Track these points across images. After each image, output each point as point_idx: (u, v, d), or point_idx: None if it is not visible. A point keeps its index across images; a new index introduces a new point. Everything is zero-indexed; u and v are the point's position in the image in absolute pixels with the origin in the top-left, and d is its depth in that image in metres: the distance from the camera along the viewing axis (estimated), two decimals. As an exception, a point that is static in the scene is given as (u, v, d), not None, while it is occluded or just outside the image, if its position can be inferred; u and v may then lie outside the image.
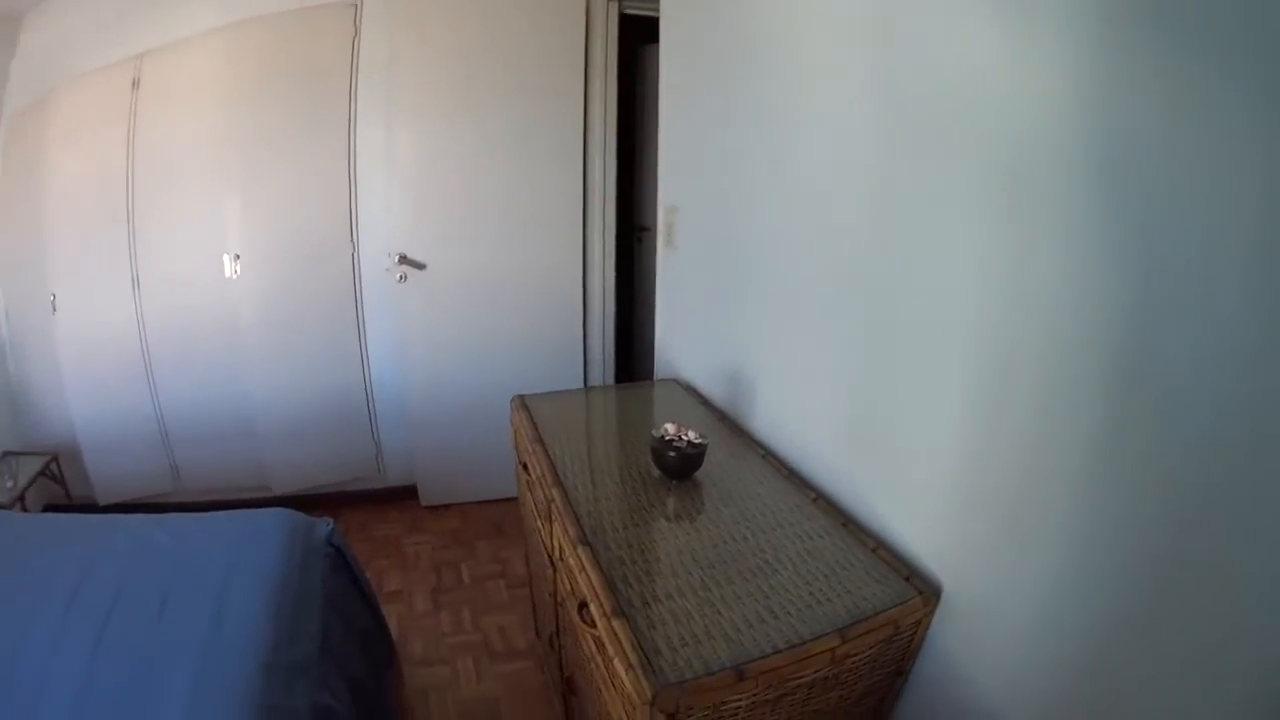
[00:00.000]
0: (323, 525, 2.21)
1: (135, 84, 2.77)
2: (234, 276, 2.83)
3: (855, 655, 1.01)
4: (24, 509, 3.11)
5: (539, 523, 1.60)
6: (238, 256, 2.80)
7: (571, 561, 1.22)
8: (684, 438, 1.36)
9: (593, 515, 1.30)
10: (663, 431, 1.37)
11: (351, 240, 2.88)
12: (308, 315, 2.93)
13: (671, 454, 1.35)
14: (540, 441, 1.60)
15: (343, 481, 3.24)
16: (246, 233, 2.83)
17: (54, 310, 2.99)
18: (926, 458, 1.10)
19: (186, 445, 3.15)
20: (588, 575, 1.14)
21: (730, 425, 1.67)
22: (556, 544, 1.40)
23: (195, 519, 2.33)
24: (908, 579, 1.08)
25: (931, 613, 1.07)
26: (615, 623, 1.02)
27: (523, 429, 1.72)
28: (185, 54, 2.79)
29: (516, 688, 2.27)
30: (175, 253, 2.87)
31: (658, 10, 2.42)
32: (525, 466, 1.68)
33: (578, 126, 2.77)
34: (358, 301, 2.98)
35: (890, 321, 1.18)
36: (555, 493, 1.37)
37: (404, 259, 2.76)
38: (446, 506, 3.19)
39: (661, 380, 2.08)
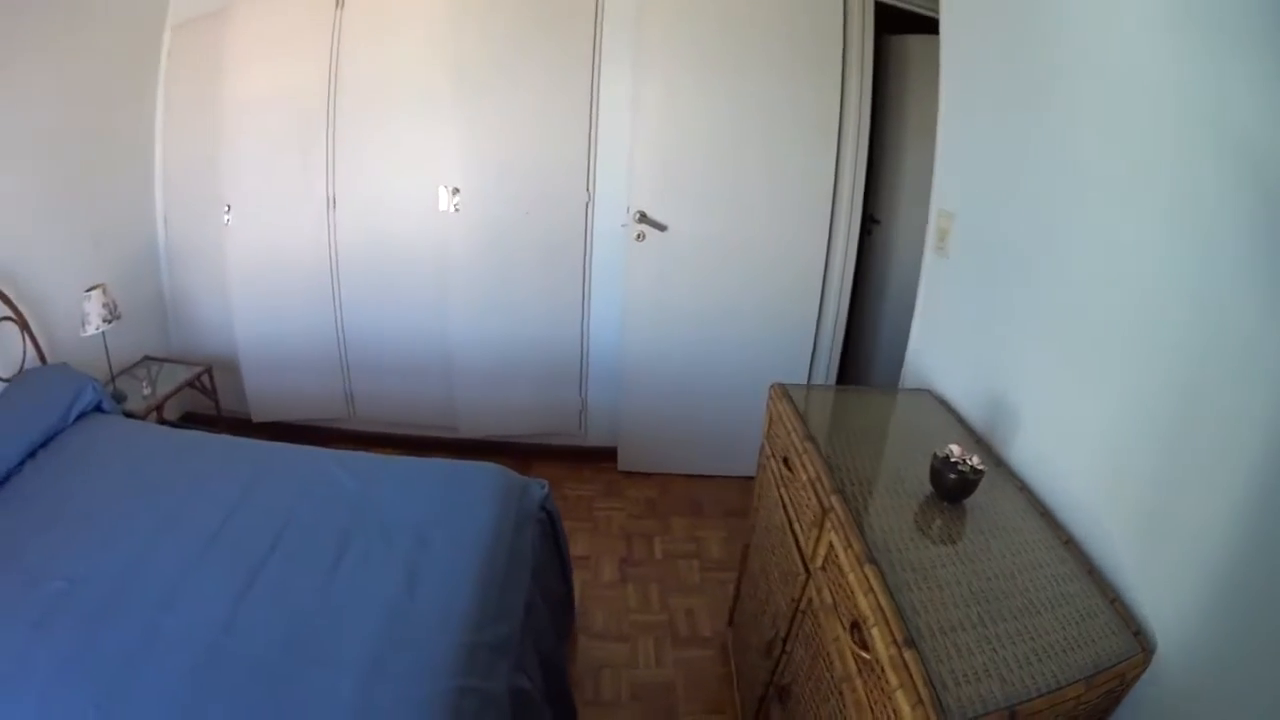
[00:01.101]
0: (537, 487, 2.36)
1: (339, 2, 3.10)
2: (450, 210, 3.21)
3: (1086, 703, 1.14)
4: (161, 419, 3.61)
5: (795, 525, 1.72)
6: (456, 190, 3.18)
7: (852, 578, 1.32)
8: (968, 461, 1.47)
9: (874, 530, 1.40)
10: (948, 452, 1.49)
11: (587, 190, 3.17)
12: (529, 260, 3.28)
13: (952, 476, 1.46)
14: (812, 440, 1.71)
15: (539, 434, 3.63)
16: (467, 167, 3.18)
17: (227, 222, 3.51)
18: (1194, 538, 1.16)
19: (367, 373, 3.63)
20: (875, 598, 1.23)
21: (985, 449, 1.75)
22: (821, 553, 1.51)
23: (385, 461, 2.57)
24: (1136, 634, 1.22)
25: (1144, 670, 1.21)
26: (907, 653, 1.11)
27: (787, 422, 1.86)
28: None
29: (695, 676, 2.45)
30: (380, 177, 3.30)
31: (912, 2, 2.57)
32: (786, 462, 1.82)
33: (833, 111, 2.92)
34: (586, 253, 3.30)
35: (1187, 381, 1.20)
36: (835, 500, 1.48)
37: (644, 218, 3.01)
38: (646, 475, 3.49)
39: (913, 390, 2.17)
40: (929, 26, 2.78)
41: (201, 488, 2.42)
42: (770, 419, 2.07)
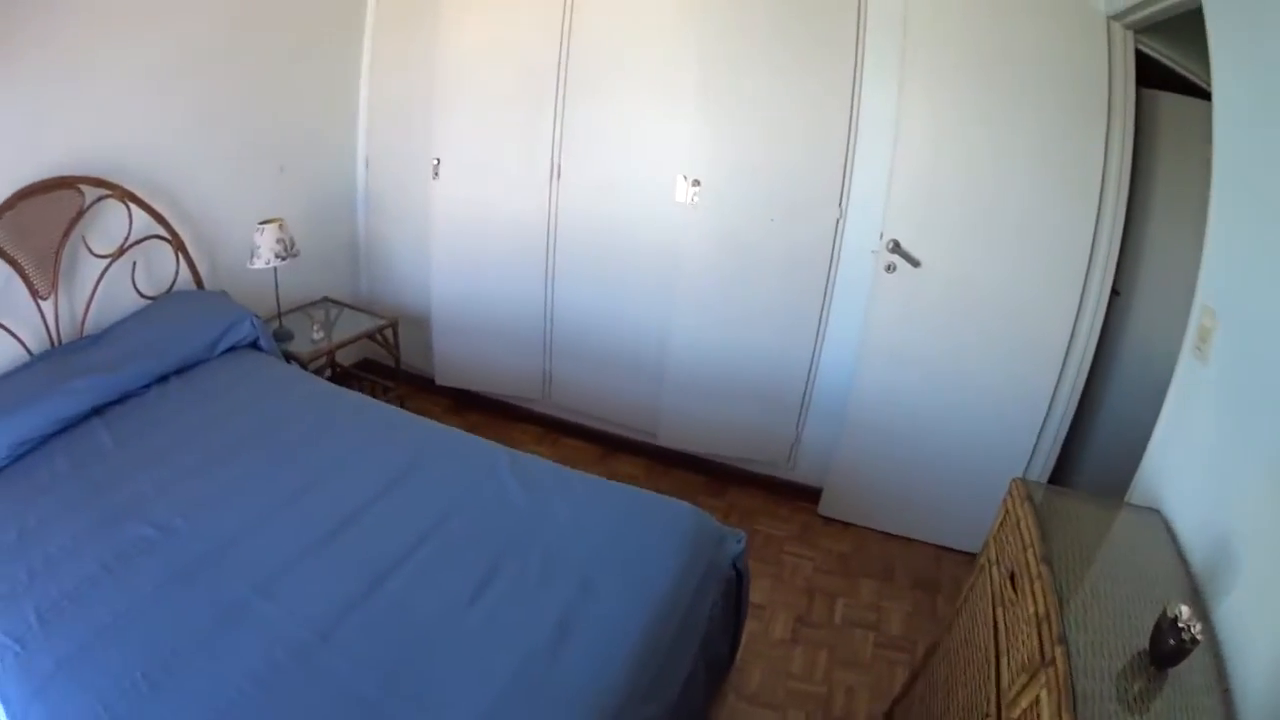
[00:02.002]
0: (734, 541, 2.47)
1: None
2: (688, 202, 3.61)
3: None
4: (333, 364, 4.22)
5: (1002, 658, 1.81)
6: (696, 182, 3.57)
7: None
8: (1191, 629, 1.56)
9: (1078, 680, 1.49)
10: (1176, 613, 1.58)
11: (840, 206, 3.49)
12: (767, 271, 3.62)
13: (1171, 642, 1.57)
14: (1048, 564, 1.78)
15: (743, 459, 4.05)
16: (710, 159, 3.55)
17: (435, 175, 4.05)
18: None
19: (571, 357, 4.14)
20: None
21: (1198, 601, 1.79)
22: (1023, 703, 1.59)
23: (565, 475, 2.70)
24: None
25: None
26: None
27: (1024, 532, 1.94)
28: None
29: (838, 766, 2.73)
30: (613, 155, 3.76)
31: (1166, 55, 2.70)
32: (1012, 579, 1.91)
33: (1095, 167, 3.05)
34: (830, 274, 3.61)
35: None
36: (1058, 653, 1.54)
37: (897, 248, 3.32)
38: (845, 525, 3.86)
39: (1141, 508, 2.19)
40: (1182, 86, 3.01)
41: (347, 462, 2.71)
42: (1003, 518, 2.17)
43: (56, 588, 2.15)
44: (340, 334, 4.04)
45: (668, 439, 4.04)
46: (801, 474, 4.04)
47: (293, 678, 1.83)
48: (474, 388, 4.45)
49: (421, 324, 4.48)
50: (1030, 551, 1.89)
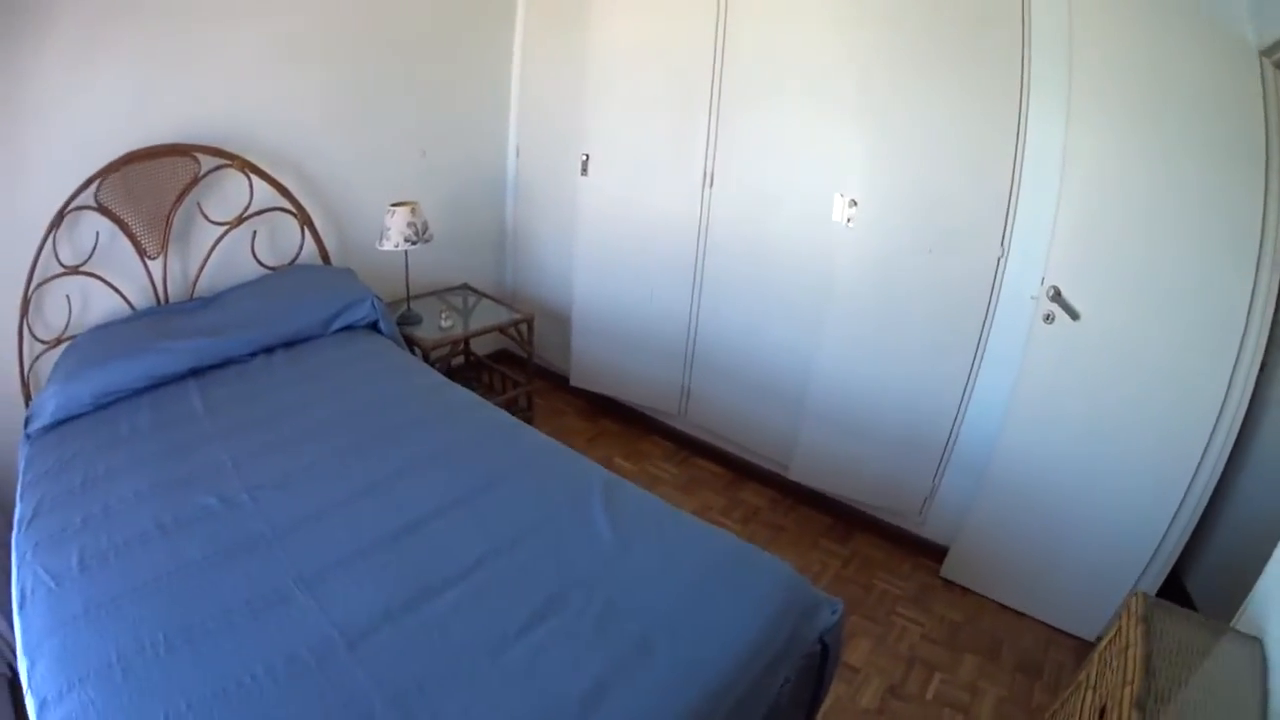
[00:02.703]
0: (827, 611, 2.26)
1: None
2: (843, 223, 3.39)
3: None
4: (467, 352, 4.24)
5: None
6: (854, 203, 3.34)
7: None
8: None
9: None
10: None
11: (1002, 244, 3.21)
12: (921, 306, 3.36)
13: None
14: (1140, 710, 1.69)
15: (873, 505, 3.83)
16: (868, 179, 3.33)
17: (584, 172, 4.02)
18: None
19: (711, 373, 3.98)
20: None
21: None
22: None
23: (662, 516, 2.49)
24: None
25: None
26: None
27: (1127, 662, 1.87)
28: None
29: None
30: (767, 164, 3.59)
31: None
32: (1102, 713, 1.83)
33: (1254, 220, 2.69)
34: (988, 317, 3.31)
35: None
36: None
37: (1058, 296, 3.01)
38: (965, 591, 3.58)
39: (1243, 636, 2.06)
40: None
41: (432, 463, 2.64)
42: (1114, 634, 2.07)
43: (106, 538, 2.21)
44: (472, 324, 4.04)
45: (799, 473, 3.86)
46: (930, 530, 3.76)
47: (307, 677, 1.80)
48: (609, 393, 4.37)
49: (561, 321, 4.45)
50: (1127, 689, 1.80)
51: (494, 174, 4.63)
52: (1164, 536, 3.07)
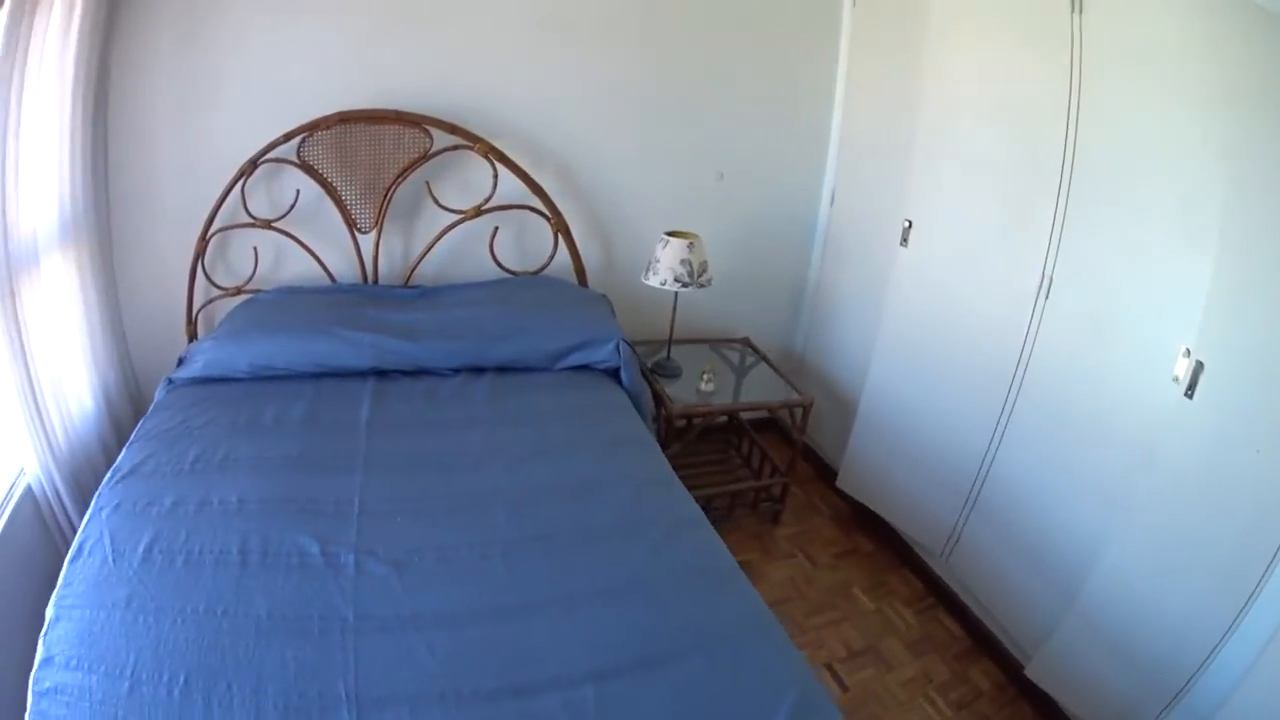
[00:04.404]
0: None
1: (1076, 5, 2.57)
2: (1180, 387, 2.31)
3: None
4: (732, 418, 3.74)
5: None
6: (1200, 365, 2.26)
7: None
8: None
9: None
10: None
11: None
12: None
13: None
14: None
15: None
16: (1223, 336, 2.26)
17: (903, 241, 3.27)
18: None
19: (991, 523, 3.11)
20: None
21: None
22: None
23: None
24: None
25: None
26: None
27: None
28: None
29: None
30: (1111, 289, 2.58)
31: None
32: None
33: None
34: None
35: None
36: None
37: None
38: None
39: None
40: None
41: (592, 603, 2.04)
42: None
43: (185, 538, 2.08)
44: (741, 394, 3.56)
45: (1037, 672, 2.88)
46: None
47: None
48: (874, 508, 3.65)
49: (845, 406, 3.78)
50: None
51: (801, 219, 4.00)
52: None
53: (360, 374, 2.82)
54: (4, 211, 2.32)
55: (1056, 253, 2.74)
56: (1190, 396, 2.29)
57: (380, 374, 2.85)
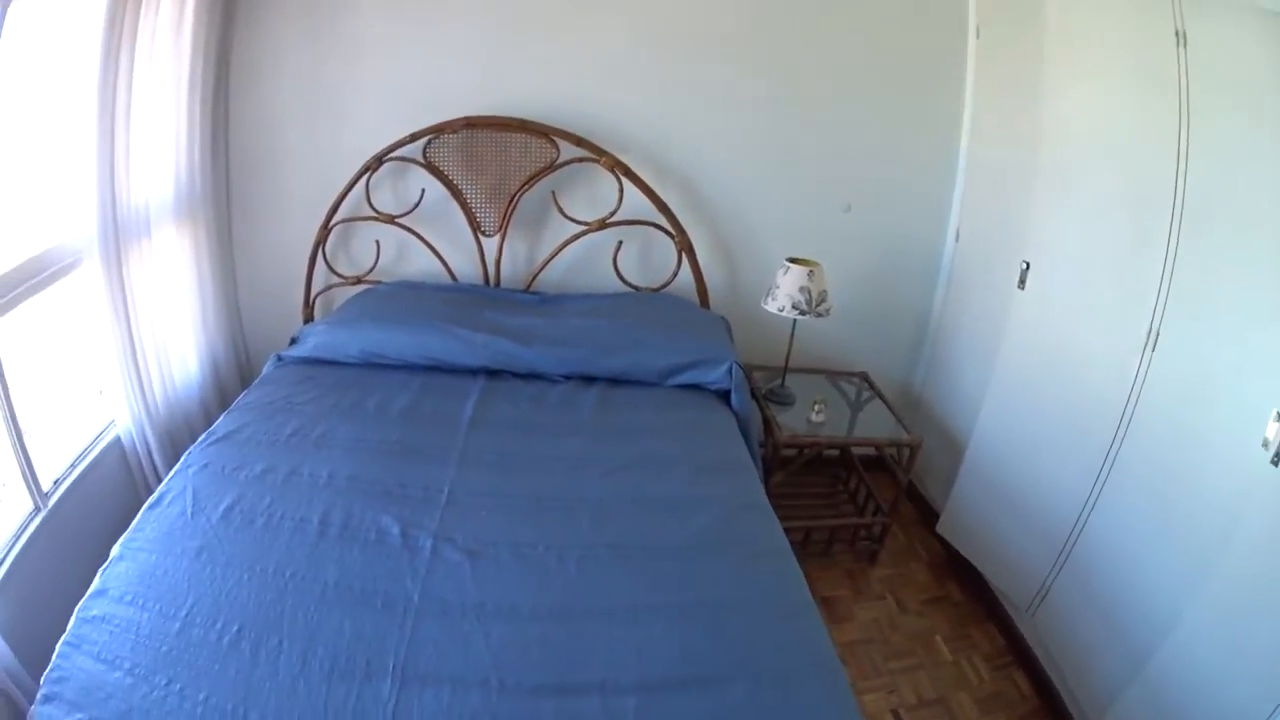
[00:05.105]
0: None
1: (1180, 37, 2.40)
2: (1267, 443, 2.13)
3: None
4: (845, 452, 3.70)
5: None
6: None
7: None
8: None
9: None
10: None
11: None
12: None
13: None
14: None
15: None
16: None
17: (1021, 284, 3.13)
18: None
19: (1083, 581, 2.89)
20: None
21: None
22: None
23: None
24: None
25: None
26: None
27: None
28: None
29: None
30: (1216, 345, 2.40)
31: None
32: None
33: None
34: None
35: None
36: None
37: None
38: None
39: None
40: None
41: (648, 623, 1.99)
42: None
43: (269, 503, 2.20)
44: (844, 425, 3.51)
45: None
46: None
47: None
48: (970, 558, 3.50)
49: (953, 449, 3.65)
50: None
51: (925, 255, 3.89)
52: None
53: (471, 372, 2.90)
54: (113, 184, 2.51)
55: (1165, 303, 2.58)
56: (1277, 464, 2.15)
57: (491, 374, 2.93)
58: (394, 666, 1.76)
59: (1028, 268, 3.13)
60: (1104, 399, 2.80)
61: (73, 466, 2.66)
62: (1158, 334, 2.60)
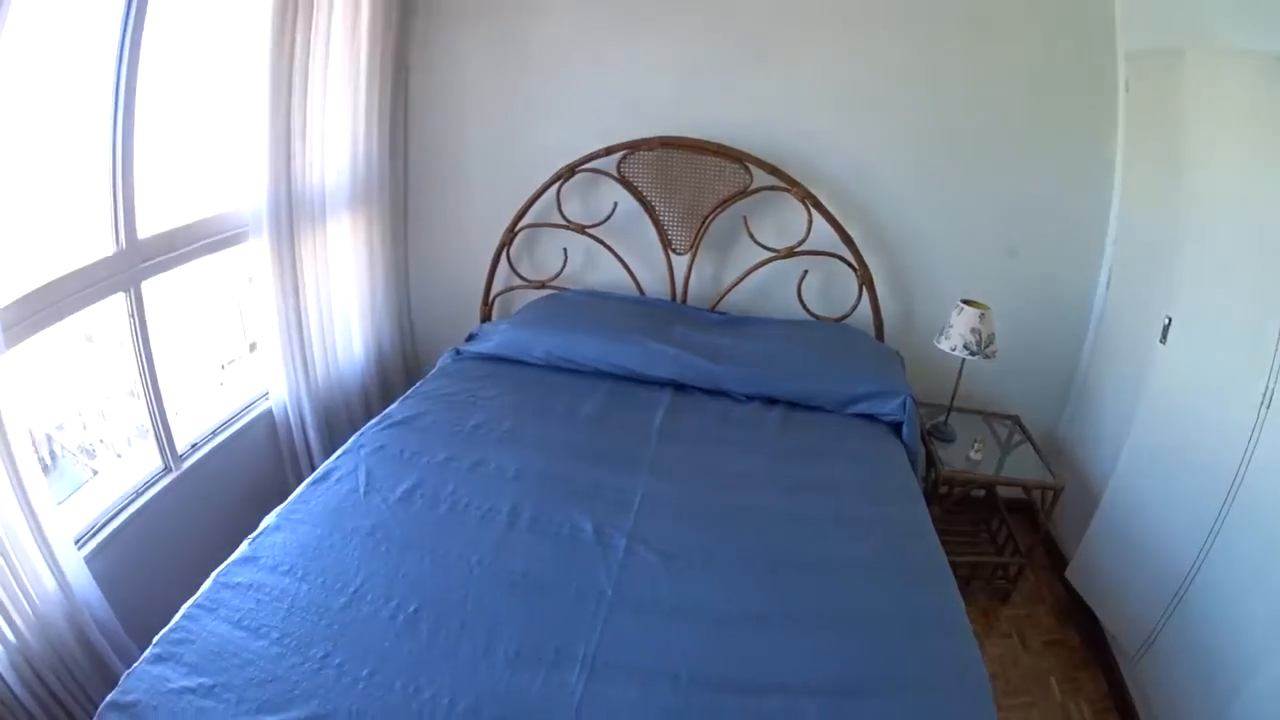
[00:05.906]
0: None
1: None
2: None
3: None
4: (991, 493, 3.68)
5: None
6: None
7: None
8: None
9: None
10: None
11: None
12: None
13: None
14: None
15: None
16: None
17: (1163, 339, 3.09)
18: None
19: (1194, 630, 2.84)
20: None
21: None
22: None
23: None
24: None
25: None
26: None
27: None
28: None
29: None
30: None
31: None
32: None
33: None
34: None
35: None
36: None
37: None
38: None
39: None
40: None
41: (806, 652, 2.00)
42: None
43: (453, 490, 2.28)
44: (1003, 469, 3.56)
45: None
46: None
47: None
48: (1092, 606, 3.48)
49: (1091, 499, 3.63)
50: None
51: (1075, 302, 3.90)
52: None
53: (658, 384, 2.96)
54: (289, 170, 2.60)
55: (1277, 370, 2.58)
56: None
57: (677, 388, 2.98)
58: (584, 656, 1.82)
59: (1170, 323, 3.10)
60: (1218, 450, 2.79)
61: (214, 433, 2.71)
62: (1273, 394, 2.58)
